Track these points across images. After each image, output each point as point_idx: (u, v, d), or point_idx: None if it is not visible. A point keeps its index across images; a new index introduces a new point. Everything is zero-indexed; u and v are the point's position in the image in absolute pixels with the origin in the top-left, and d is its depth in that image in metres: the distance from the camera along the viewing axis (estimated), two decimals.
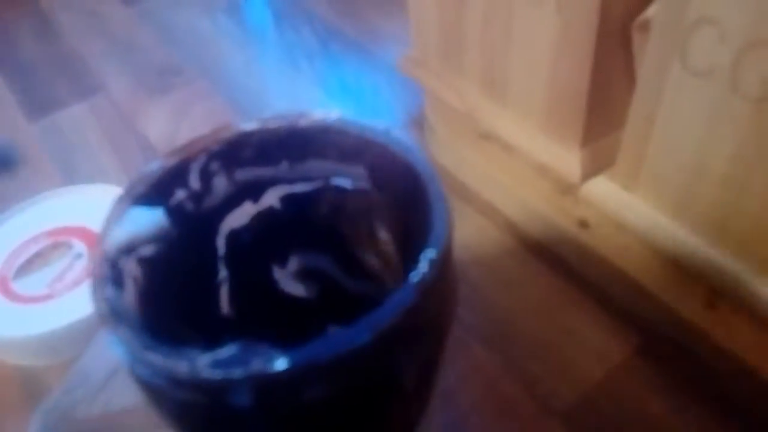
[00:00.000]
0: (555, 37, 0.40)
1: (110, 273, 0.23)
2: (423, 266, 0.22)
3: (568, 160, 0.43)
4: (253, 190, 0.31)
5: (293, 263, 0.38)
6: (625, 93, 0.38)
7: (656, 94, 0.35)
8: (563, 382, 0.39)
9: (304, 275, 0.39)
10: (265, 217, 0.34)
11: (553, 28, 0.39)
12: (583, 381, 0.39)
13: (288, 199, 0.34)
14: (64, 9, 0.85)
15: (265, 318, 0.37)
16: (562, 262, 0.46)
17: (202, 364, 0.20)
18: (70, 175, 0.59)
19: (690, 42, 0.32)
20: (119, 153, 0.61)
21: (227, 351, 0.20)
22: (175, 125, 0.64)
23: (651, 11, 0.35)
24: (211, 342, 0.29)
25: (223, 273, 0.34)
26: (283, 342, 0.31)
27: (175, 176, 0.27)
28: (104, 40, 0.78)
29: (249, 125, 0.29)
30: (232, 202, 0.31)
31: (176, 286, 0.29)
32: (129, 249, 0.25)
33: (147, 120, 0.65)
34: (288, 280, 0.38)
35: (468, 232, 0.49)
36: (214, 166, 0.29)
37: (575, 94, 0.41)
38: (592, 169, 0.43)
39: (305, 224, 0.35)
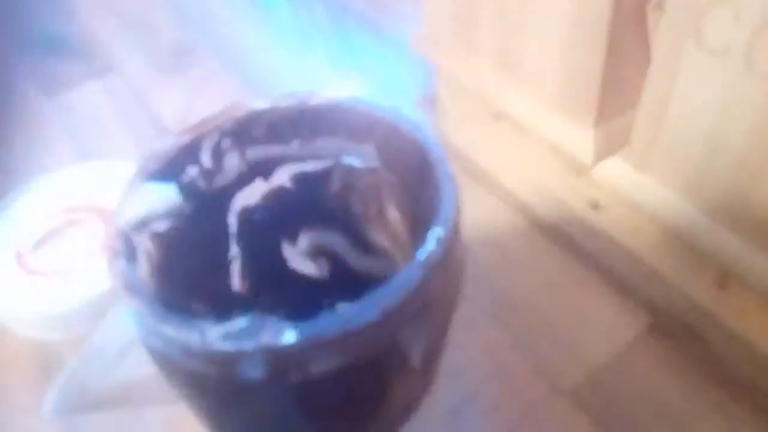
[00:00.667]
0: (569, 15, 0.39)
1: (124, 247, 0.24)
2: (430, 244, 0.22)
3: (581, 140, 0.43)
4: (264, 168, 0.31)
5: (304, 241, 0.38)
6: (640, 73, 0.38)
7: (671, 74, 0.35)
8: (571, 362, 0.39)
9: (314, 253, 0.39)
10: (276, 195, 0.35)
11: (568, 6, 0.39)
12: (591, 361, 0.39)
13: (299, 178, 0.34)
14: None
15: (275, 295, 0.38)
16: (573, 243, 0.46)
17: (214, 335, 0.20)
18: (84, 152, 0.60)
19: (705, 21, 0.32)
20: (133, 132, 0.62)
21: (238, 323, 0.20)
22: (189, 104, 0.64)
23: None
24: (222, 316, 0.29)
25: (234, 249, 0.34)
26: (294, 318, 0.32)
27: (187, 154, 0.27)
28: (118, 19, 0.78)
29: (260, 104, 0.29)
30: (243, 179, 0.31)
31: (189, 262, 0.29)
32: (142, 224, 0.26)
33: (160, 99, 0.65)
34: (299, 257, 0.39)
35: (479, 213, 0.49)
36: (226, 143, 0.29)
37: (589, 73, 0.40)
38: (605, 150, 0.42)
39: (316, 202, 0.36)
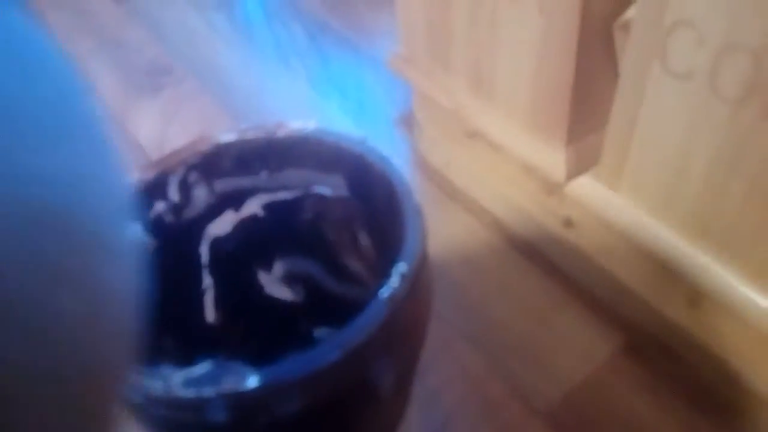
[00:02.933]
0: (538, 36, 0.40)
1: None
2: (394, 281, 0.22)
3: (553, 159, 0.43)
4: (234, 200, 0.31)
5: (279, 268, 0.38)
6: (609, 92, 0.38)
7: (638, 95, 0.35)
8: (547, 382, 0.39)
9: (290, 279, 0.39)
10: (248, 225, 0.35)
11: (536, 28, 0.39)
12: (567, 381, 0.39)
13: (270, 207, 0.34)
14: (54, 8, 0.84)
15: (251, 323, 0.37)
16: (547, 261, 0.46)
17: (176, 382, 0.20)
18: None
19: (669, 44, 0.32)
20: None
21: (200, 369, 0.20)
22: (165, 125, 0.64)
23: (631, 12, 0.35)
24: (195, 352, 0.29)
25: (207, 281, 0.34)
26: (270, 347, 0.32)
27: (153, 189, 0.27)
28: (93, 38, 0.77)
29: (227, 137, 0.29)
30: (213, 211, 0.31)
31: (159, 297, 0.29)
32: None
33: (136, 120, 0.65)
34: (274, 284, 0.39)
35: (455, 231, 0.49)
36: (193, 177, 0.29)
37: (559, 92, 0.41)
38: (576, 168, 0.43)
39: (289, 230, 0.36)
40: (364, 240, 0.33)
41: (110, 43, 0.77)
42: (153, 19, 0.80)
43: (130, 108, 0.67)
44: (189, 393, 0.20)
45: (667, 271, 0.38)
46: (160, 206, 0.28)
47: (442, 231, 0.49)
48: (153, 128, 0.64)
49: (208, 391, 0.20)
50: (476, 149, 0.50)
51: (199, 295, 0.33)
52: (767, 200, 0.31)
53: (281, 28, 0.76)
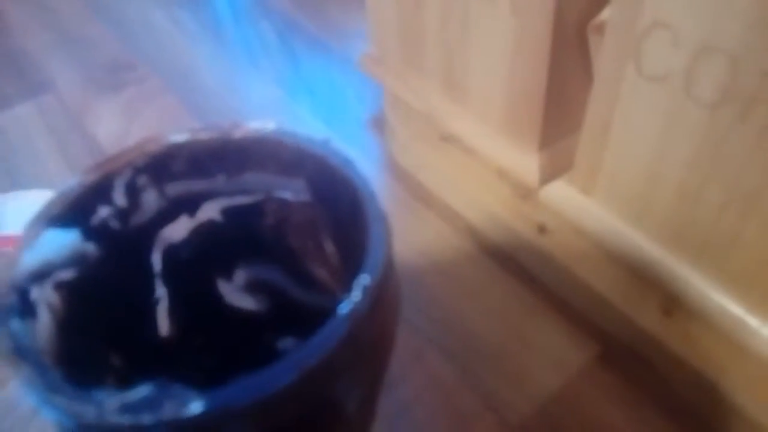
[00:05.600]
0: (511, 38, 0.38)
1: (19, 303, 0.22)
2: (356, 295, 0.21)
3: (526, 163, 0.42)
4: (188, 204, 0.29)
5: (240, 276, 0.36)
6: (583, 96, 0.37)
7: (612, 99, 0.34)
8: (520, 394, 0.38)
9: (252, 288, 0.37)
10: (206, 230, 0.32)
11: (509, 30, 0.38)
12: (540, 392, 0.38)
13: (230, 212, 0.32)
14: (16, 3, 0.81)
15: (210, 335, 0.35)
16: (521, 268, 0.45)
17: (111, 408, 0.18)
18: (14, 177, 0.56)
19: (644, 46, 0.31)
20: (66, 155, 0.58)
21: (138, 393, 0.18)
22: (126, 125, 0.61)
23: (606, 13, 0.34)
24: (145, 369, 0.27)
25: (160, 291, 0.32)
26: (230, 361, 0.30)
27: (96, 193, 0.25)
28: (54, 34, 0.74)
29: (178, 137, 0.27)
30: (165, 217, 0.29)
31: (104, 310, 0.27)
32: (42, 275, 0.23)
33: (96, 119, 0.62)
34: (235, 293, 0.37)
35: (427, 237, 0.48)
36: (142, 180, 0.27)
37: (532, 96, 0.39)
38: (549, 173, 0.42)
39: (250, 236, 0.34)
40: (329, 246, 0.32)
41: (71, 39, 0.74)
42: (116, 15, 0.77)
43: (90, 106, 0.64)
44: (125, 419, 0.18)
45: (641, 279, 0.37)
46: (104, 211, 0.26)
47: (414, 236, 0.48)
48: (114, 127, 0.61)
49: (147, 418, 0.18)
50: (449, 152, 0.49)
51: (151, 306, 0.31)
52: (743, 207, 0.30)
53: (250, 28, 0.74)
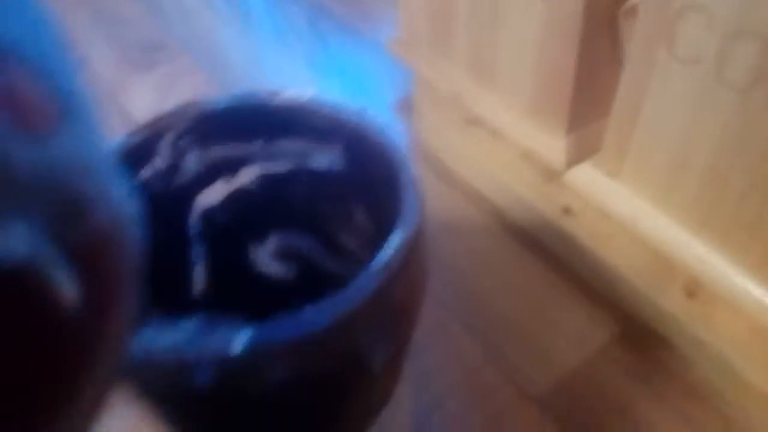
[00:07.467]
0: (541, 22, 0.39)
1: None
2: (388, 251, 0.21)
3: (553, 146, 0.42)
4: (226, 168, 0.30)
5: (271, 243, 0.37)
6: (612, 79, 0.38)
7: (643, 82, 0.35)
8: (541, 369, 0.38)
9: (283, 255, 0.38)
10: (241, 196, 0.34)
11: (540, 13, 0.38)
12: (560, 368, 0.38)
13: (264, 179, 0.33)
14: None
15: (240, 299, 0.37)
16: (545, 249, 0.45)
17: (159, 346, 0.19)
18: None
19: (677, 29, 0.31)
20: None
21: (185, 330, 0.20)
22: (160, 101, 0.63)
23: None
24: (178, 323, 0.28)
25: (197, 252, 0.33)
26: (254, 322, 0.31)
27: (139, 154, 0.26)
28: (90, 12, 0.76)
29: (220, 102, 0.28)
30: (203, 180, 0.30)
31: (144, 265, 0.28)
32: None
33: (130, 95, 0.64)
34: (266, 259, 0.38)
35: (453, 218, 0.49)
36: (185, 141, 0.28)
37: (561, 79, 0.40)
38: (576, 156, 0.42)
39: (283, 204, 0.35)
40: (360, 215, 0.32)
41: (106, 18, 0.76)
42: None
43: (124, 83, 0.66)
44: (172, 357, 0.19)
45: (665, 261, 0.37)
46: (147, 172, 0.27)
47: (440, 217, 0.48)
48: (147, 104, 0.63)
49: (193, 355, 0.19)
50: (476, 136, 0.49)
51: (187, 267, 0.32)
52: None
53: (278, 10, 0.75)
